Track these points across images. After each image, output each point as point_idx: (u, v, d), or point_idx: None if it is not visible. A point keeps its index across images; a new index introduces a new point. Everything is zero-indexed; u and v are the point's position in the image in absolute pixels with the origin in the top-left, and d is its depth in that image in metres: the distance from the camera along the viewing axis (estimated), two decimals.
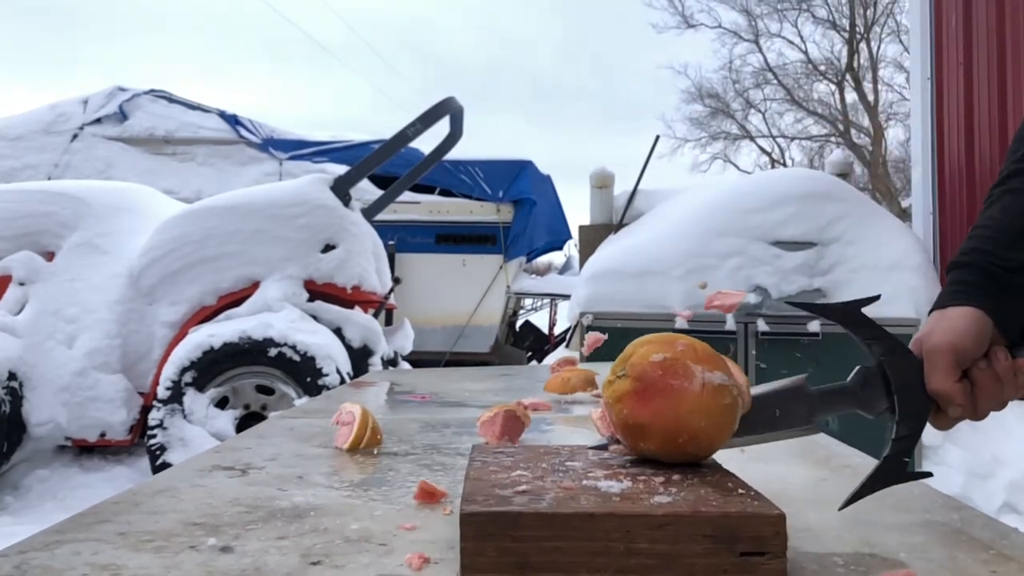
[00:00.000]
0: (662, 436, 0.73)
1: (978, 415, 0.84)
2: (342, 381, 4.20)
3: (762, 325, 4.37)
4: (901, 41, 19.82)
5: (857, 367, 0.85)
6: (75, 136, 7.73)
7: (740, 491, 0.66)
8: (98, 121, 7.80)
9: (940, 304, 0.88)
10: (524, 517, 0.60)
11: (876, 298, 0.85)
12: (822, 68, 22.74)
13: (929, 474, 0.83)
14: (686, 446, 0.73)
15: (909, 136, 7.12)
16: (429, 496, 0.81)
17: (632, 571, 0.60)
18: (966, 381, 0.83)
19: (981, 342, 0.83)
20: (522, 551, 0.60)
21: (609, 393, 0.76)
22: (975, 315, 0.84)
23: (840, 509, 0.78)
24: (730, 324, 4.39)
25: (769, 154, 24.04)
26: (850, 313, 0.83)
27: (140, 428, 4.55)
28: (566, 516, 0.61)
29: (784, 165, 22.79)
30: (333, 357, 4.27)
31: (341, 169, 5.98)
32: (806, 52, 22.79)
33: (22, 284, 4.71)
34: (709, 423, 0.73)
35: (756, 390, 0.83)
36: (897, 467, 0.81)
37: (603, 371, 1.92)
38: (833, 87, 22.96)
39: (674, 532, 0.60)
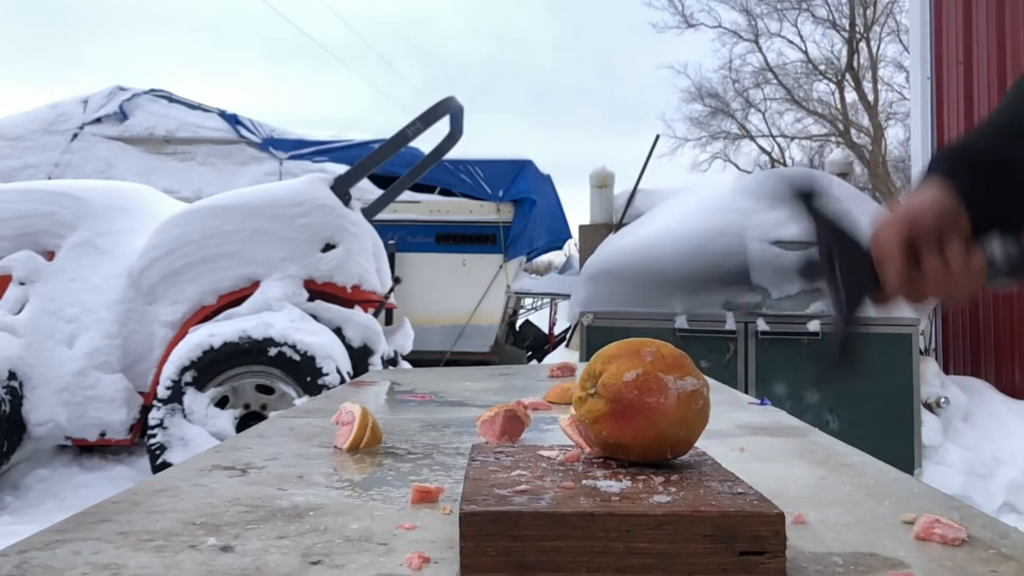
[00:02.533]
0: (643, 450, 0.75)
1: (917, 299, 0.80)
2: (342, 381, 4.20)
3: (762, 325, 4.37)
4: (901, 41, 19.82)
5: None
6: (75, 136, 7.73)
7: (739, 491, 0.67)
8: (98, 121, 7.80)
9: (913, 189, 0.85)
10: (524, 517, 0.61)
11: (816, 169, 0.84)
12: (822, 68, 22.75)
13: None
14: (666, 454, 0.75)
15: (909, 136, 7.12)
16: (425, 495, 0.81)
17: (631, 570, 0.60)
18: (915, 265, 0.79)
19: (939, 215, 0.78)
20: (522, 551, 0.60)
21: (584, 412, 0.76)
22: (938, 188, 0.80)
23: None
24: (730, 324, 4.39)
25: (769, 154, 24.05)
26: (796, 199, 0.82)
27: (140, 428, 4.55)
28: (566, 516, 0.61)
29: (784, 165, 22.79)
30: (333, 357, 4.27)
31: (341, 169, 5.98)
32: (806, 52, 22.81)
33: (22, 284, 4.71)
34: (687, 431, 0.75)
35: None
36: (836, 340, 0.80)
37: None
38: (833, 87, 22.98)
39: (673, 531, 0.60)
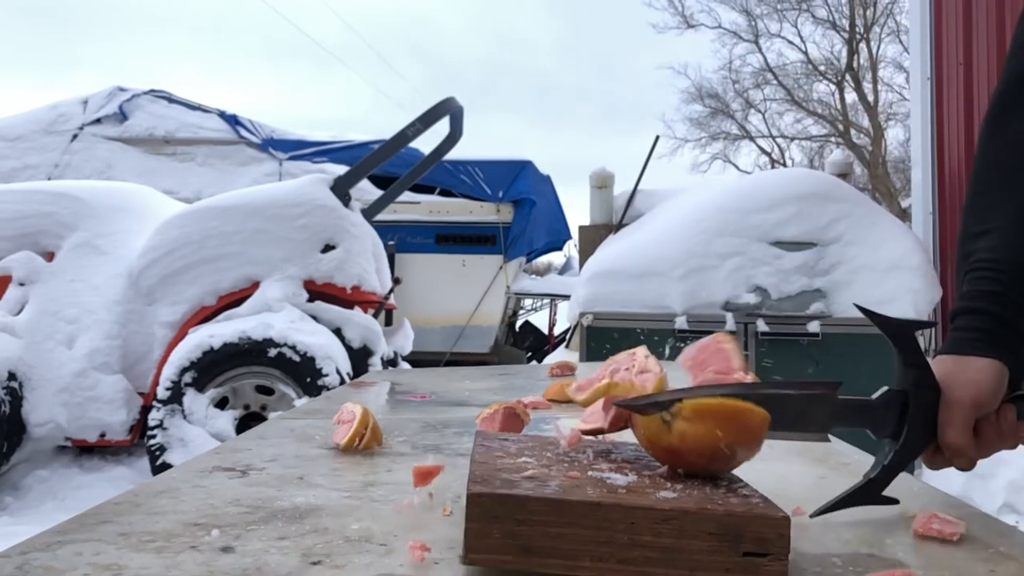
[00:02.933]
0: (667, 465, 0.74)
1: (972, 464, 0.85)
2: (342, 381, 4.20)
3: (762, 325, 4.37)
4: (901, 41, 19.82)
5: (885, 388, 0.84)
6: (75, 136, 7.73)
7: (746, 492, 0.67)
8: (98, 121, 7.80)
9: (958, 350, 0.86)
10: (531, 501, 0.61)
11: (933, 324, 0.87)
12: (822, 68, 22.75)
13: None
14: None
15: (909, 136, 7.13)
16: (427, 476, 0.81)
17: (635, 562, 0.60)
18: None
19: (999, 396, 0.83)
20: (527, 535, 0.60)
21: (645, 423, 0.73)
22: (997, 369, 0.84)
23: (812, 516, 0.79)
24: (730, 324, 4.39)
25: (769, 154, 24.06)
26: (905, 333, 0.83)
27: (140, 428, 4.55)
28: (573, 503, 0.61)
29: (784, 165, 22.80)
30: (333, 357, 4.27)
31: (341, 169, 5.98)
32: (806, 52, 22.81)
33: (22, 284, 4.71)
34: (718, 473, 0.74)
35: (786, 388, 0.80)
36: (876, 490, 0.82)
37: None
38: (833, 87, 22.97)
39: (679, 527, 0.60)
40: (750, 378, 0.85)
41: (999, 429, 0.84)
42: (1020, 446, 0.88)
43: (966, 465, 0.85)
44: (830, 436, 0.89)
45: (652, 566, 0.60)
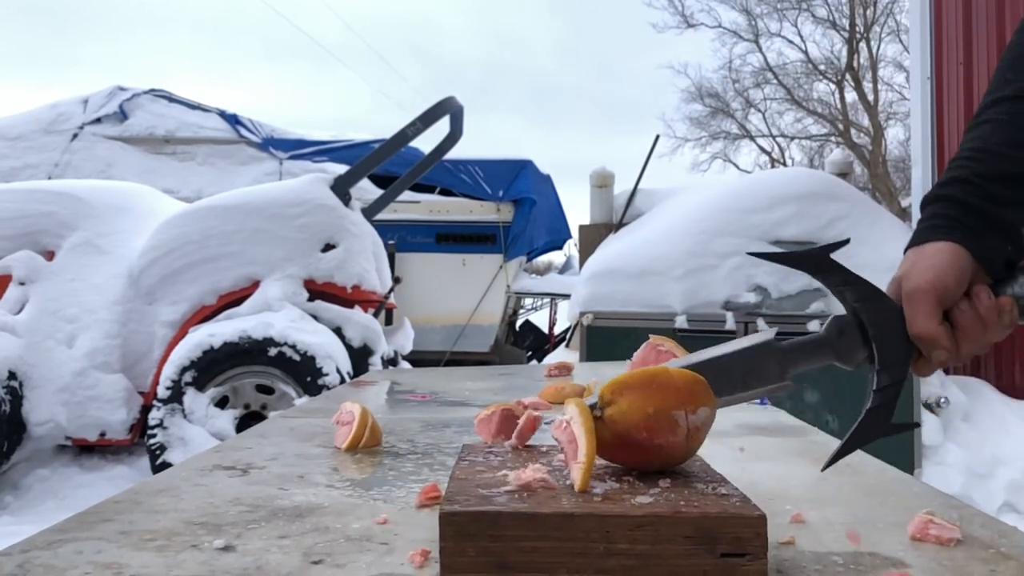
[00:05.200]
0: (641, 470, 0.73)
1: (961, 357, 0.81)
2: (342, 381, 4.20)
3: (762, 325, 4.37)
4: (901, 41, 19.82)
5: (831, 316, 0.82)
6: (75, 136, 7.73)
7: (723, 492, 0.66)
8: (98, 121, 7.81)
9: (916, 241, 0.84)
10: (503, 517, 0.60)
11: (846, 242, 0.82)
12: (822, 68, 22.74)
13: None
14: (664, 470, 0.73)
15: (909, 136, 7.13)
16: (436, 499, 0.81)
17: (612, 571, 0.60)
18: (947, 323, 0.79)
19: (962, 280, 0.79)
20: (501, 551, 0.60)
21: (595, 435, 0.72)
22: (955, 250, 0.80)
23: (824, 469, 0.77)
24: (730, 324, 4.39)
25: (769, 154, 24.06)
26: (819, 260, 0.79)
27: (140, 428, 4.55)
28: (545, 516, 0.60)
29: (784, 165, 22.79)
30: (333, 357, 4.27)
31: (341, 169, 5.98)
32: (806, 52, 22.80)
33: (22, 284, 4.71)
34: (687, 455, 0.73)
35: (724, 348, 0.79)
36: (881, 419, 0.78)
37: (600, 371, 1.92)
38: (833, 87, 22.97)
39: (654, 533, 0.60)
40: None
41: (976, 315, 0.79)
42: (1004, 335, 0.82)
43: (948, 358, 0.80)
44: (838, 444, 0.88)
45: (629, 573, 0.60)
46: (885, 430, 0.78)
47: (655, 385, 0.71)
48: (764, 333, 0.80)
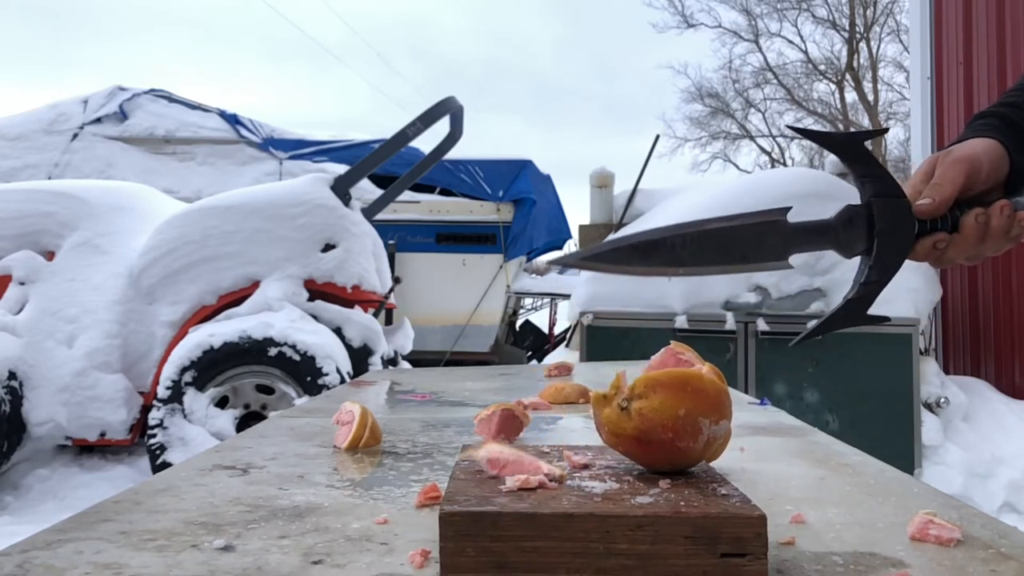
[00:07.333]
0: (652, 467, 0.73)
1: (943, 262, 0.83)
2: (342, 380, 4.21)
3: (762, 325, 4.37)
4: (901, 41, 19.84)
5: (844, 204, 0.82)
6: (75, 136, 7.74)
7: (723, 492, 0.66)
8: (98, 121, 7.81)
9: (960, 139, 0.86)
10: (503, 517, 0.60)
11: (885, 131, 0.85)
12: (822, 68, 22.77)
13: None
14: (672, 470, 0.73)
15: (909, 136, 7.13)
16: (436, 499, 0.81)
17: (612, 571, 0.60)
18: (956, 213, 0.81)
19: (993, 172, 0.82)
20: (501, 551, 0.60)
21: (607, 417, 0.73)
22: (996, 146, 0.83)
23: (792, 344, 0.77)
24: (730, 324, 4.39)
25: (769, 153, 24.08)
26: (852, 146, 0.80)
27: (140, 428, 4.55)
28: (545, 516, 0.60)
29: (784, 164, 22.80)
30: (333, 356, 4.27)
31: (341, 169, 5.99)
32: (806, 52, 22.84)
33: (22, 284, 4.71)
34: (697, 463, 0.74)
35: (733, 219, 0.78)
36: (859, 309, 0.79)
37: (599, 371, 1.92)
38: (833, 87, 23.00)
39: (654, 533, 0.60)
40: (706, 369, 0.85)
41: (984, 225, 0.81)
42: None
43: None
44: (838, 444, 0.88)
45: (629, 573, 0.60)
46: (859, 319, 0.80)
47: (689, 388, 0.71)
48: (775, 209, 0.80)
